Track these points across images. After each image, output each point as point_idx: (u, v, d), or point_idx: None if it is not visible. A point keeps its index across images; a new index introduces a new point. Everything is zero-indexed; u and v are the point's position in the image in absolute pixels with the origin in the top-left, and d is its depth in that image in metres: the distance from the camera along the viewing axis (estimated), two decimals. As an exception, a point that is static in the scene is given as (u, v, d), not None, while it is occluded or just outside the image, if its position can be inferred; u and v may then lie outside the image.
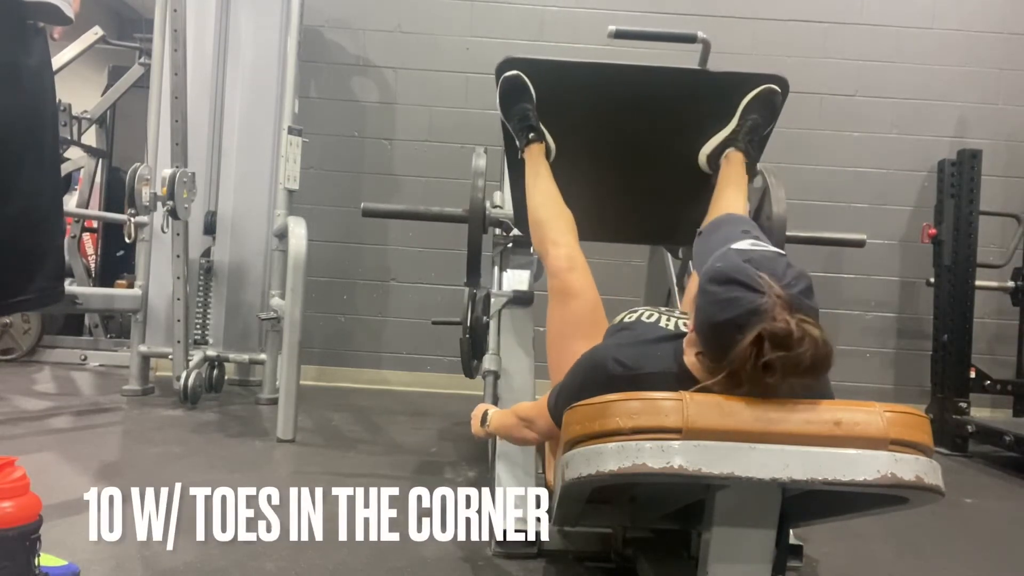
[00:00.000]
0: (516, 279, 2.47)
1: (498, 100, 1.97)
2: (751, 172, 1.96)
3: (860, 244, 2.58)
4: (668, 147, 2.04)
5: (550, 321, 1.77)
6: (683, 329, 1.41)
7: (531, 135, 1.94)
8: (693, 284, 1.73)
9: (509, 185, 2.22)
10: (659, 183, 2.13)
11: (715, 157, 1.97)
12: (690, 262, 2.49)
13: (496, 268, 2.56)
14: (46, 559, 1.39)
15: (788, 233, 2.13)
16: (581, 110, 2.00)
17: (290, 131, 3.51)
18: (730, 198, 1.87)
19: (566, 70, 1.97)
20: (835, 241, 2.74)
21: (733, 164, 1.92)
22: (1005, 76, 4.42)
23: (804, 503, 1.33)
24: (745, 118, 1.92)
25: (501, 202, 2.63)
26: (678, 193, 2.10)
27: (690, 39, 2.02)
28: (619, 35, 2.03)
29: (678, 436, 1.11)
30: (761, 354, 1.08)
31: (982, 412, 3.99)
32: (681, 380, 1.25)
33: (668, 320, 1.58)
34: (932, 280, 3.76)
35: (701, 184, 2.00)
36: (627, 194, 2.18)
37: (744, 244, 1.22)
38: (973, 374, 3.64)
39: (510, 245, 2.54)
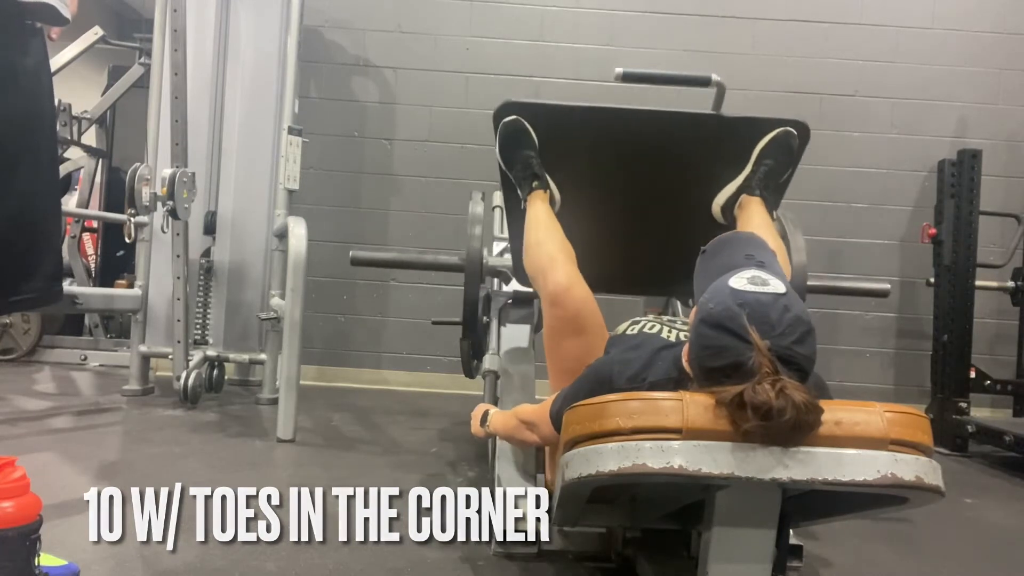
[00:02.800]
0: (516, 334, 2.36)
1: (497, 147, 1.84)
2: (772, 216, 1.84)
3: (884, 294, 2.45)
4: (680, 195, 1.91)
5: (551, 353, 1.68)
6: (684, 339, 1.41)
7: (535, 183, 1.81)
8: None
9: (509, 236, 2.08)
10: (670, 234, 1.98)
11: (729, 207, 1.85)
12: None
13: (495, 323, 2.46)
14: (46, 559, 1.39)
15: (810, 283, 2.01)
16: (586, 156, 1.88)
17: (290, 131, 3.51)
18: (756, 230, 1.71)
19: (569, 115, 1.83)
20: (858, 291, 2.60)
21: (752, 207, 1.79)
22: (1005, 76, 4.42)
23: (804, 503, 1.33)
24: (760, 164, 1.81)
25: (496, 251, 2.52)
26: (691, 244, 1.95)
27: (703, 83, 1.89)
28: (627, 79, 1.89)
29: (678, 436, 1.11)
30: (743, 415, 1.07)
31: (982, 412, 3.99)
32: (680, 385, 1.26)
33: (670, 331, 1.58)
34: (932, 280, 3.76)
35: (715, 235, 1.91)
36: (636, 245, 2.05)
37: (743, 278, 1.16)
38: (973, 374, 3.64)
39: (509, 301, 2.44)
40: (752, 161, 1.82)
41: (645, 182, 1.92)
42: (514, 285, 2.45)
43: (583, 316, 1.63)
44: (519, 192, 1.86)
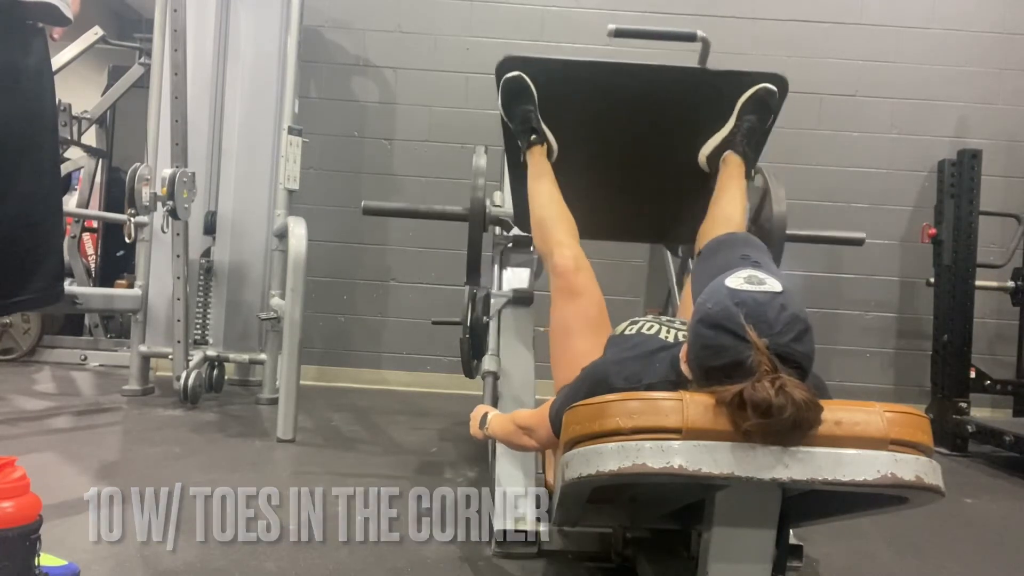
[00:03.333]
0: (516, 277, 2.47)
1: (499, 101, 1.98)
2: (750, 173, 1.97)
3: (859, 243, 2.58)
4: (668, 146, 2.05)
5: (554, 321, 1.76)
6: (682, 340, 1.42)
7: (533, 136, 1.95)
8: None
9: (509, 184, 2.22)
10: (659, 182, 2.13)
11: (714, 158, 1.98)
12: (689, 260, 2.50)
13: (496, 267, 2.56)
14: (46, 559, 1.39)
15: (788, 232, 2.13)
16: (582, 109, 2.00)
17: (290, 131, 3.51)
18: (728, 201, 1.87)
19: (566, 69, 1.97)
20: (834, 239, 2.75)
21: (731, 167, 1.93)
22: (1005, 76, 4.42)
23: (804, 503, 1.33)
24: (742, 119, 1.93)
25: (501, 201, 2.63)
26: (678, 192, 2.11)
27: (689, 38, 2.02)
28: (619, 34, 2.04)
29: (678, 436, 1.11)
30: (743, 414, 1.07)
31: (982, 412, 3.99)
32: (678, 387, 1.26)
33: (668, 332, 1.59)
34: (932, 280, 3.76)
35: (701, 183, 2.00)
36: (627, 193, 2.19)
37: (740, 277, 1.18)
38: (973, 374, 3.64)
39: (510, 245, 2.54)
40: (734, 116, 1.95)
41: (636, 132, 2.06)
42: (514, 284, 2.47)
43: (582, 289, 1.75)
44: (519, 143, 1.98)
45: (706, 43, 2.01)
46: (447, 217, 2.43)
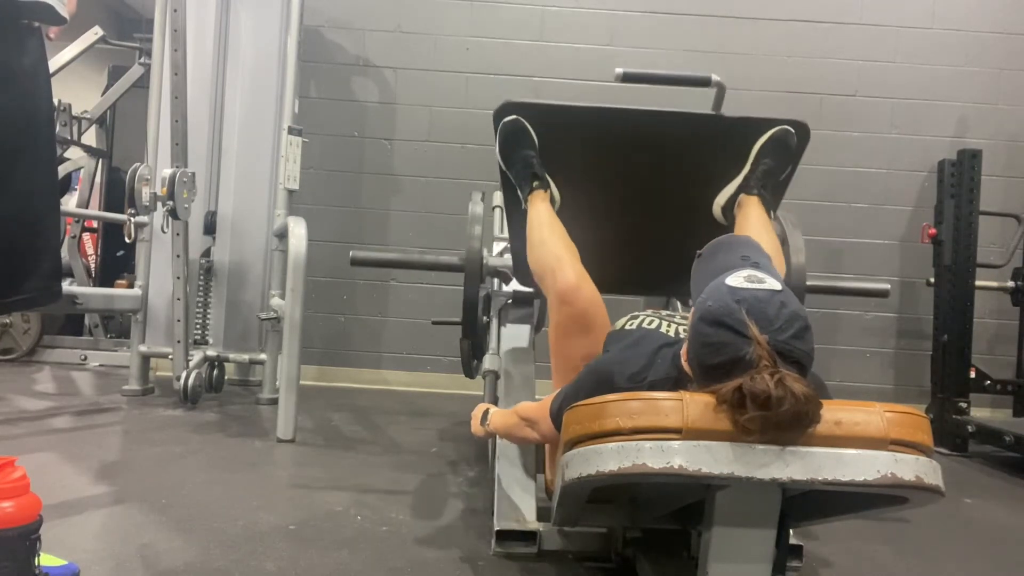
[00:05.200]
0: (516, 334, 2.35)
1: (497, 147, 1.85)
2: (770, 213, 1.83)
3: (884, 294, 2.42)
4: (680, 195, 1.91)
5: (556, 351, 1.69)
6: (683, 335, 1.42)
7: (535, 183, 1.82)
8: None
9: (509, 237, 2.08)
10: (670, 234, 1.97)
11: (729, 207, 1.86)
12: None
13: (495, 323, 2.45)
14: (46, 559, 1.39)
15: (809, 283, 1.99)
16: (586, 156, 1.88)
17: (290, 131, 3.51)
18: (752, 234, 1.70)
19: (569, 114, 1.83)
20: (858, 291, 2.57)
21: (750, 206, 1.80)
22: (1005, 76, 4.42)
23: (804, 503, 1.33)
24: (758, 163, 1.81)
25: (495, 248, 2.51)
26: (690, 243, 1.90)
27: (703, 83, 1.88)
28: (627, 79, 1.88)
29: (678, 436, 1.11)
30: (743, 409, 1.07)
31: (982, 412, 3.99)
32: (680, 385, 1.26)
33: (669, 326, 1.59)
34: (932, 280, 3.76)
35: (715, 234, 1.89)
36: (637, 245, 2.05)
37: (740, 276, 1.18)
38: (973, 374, 3.64)
39: (509, 302, 2.43)
40: (751, 160, 1.82)
41: (645, 182, 1.92)
42: (514, 285, 2.44)
43: (591, 314, 1.64)
44: (519, 192, 1.87)
45: (721, 88, 1.89)
46: (441, 268, 2.29)
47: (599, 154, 1.88)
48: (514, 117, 1.82)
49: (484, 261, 2.22)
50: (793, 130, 1.80)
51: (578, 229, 1.79)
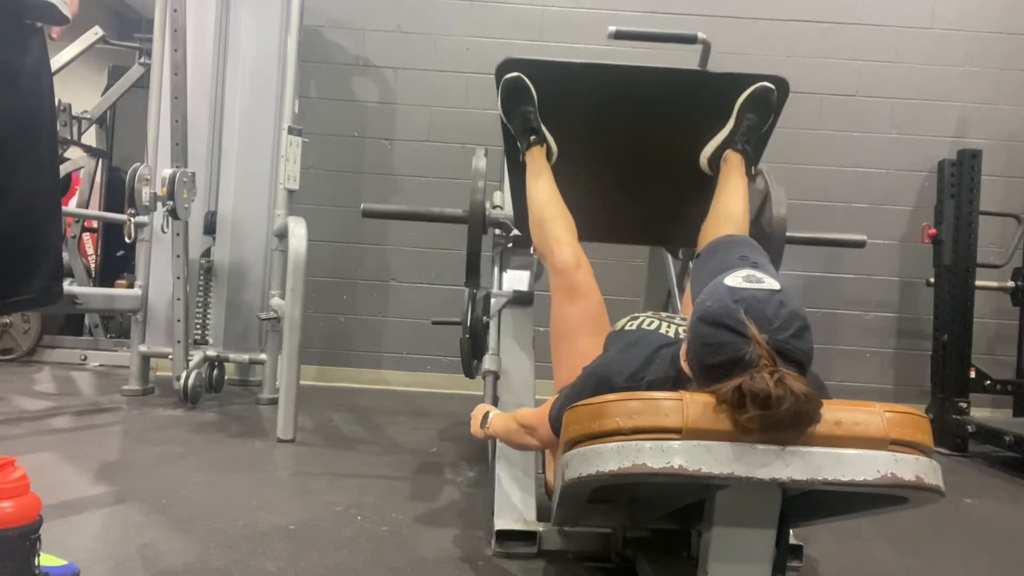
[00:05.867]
0: (516, 279, 2.47)
1: (499, 102, 1.98)
2: (750, 173, 1.96)
3: (860, 244, 2.57)
4: (669, 148, 2.04)
5: (554, 320, 1.77)
6: (683, 336, 1.42)
7: (533, 137, 1.95)
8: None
9: (509, 186, 2.22)
10: (660, 184, 2.12)
11: (715, 159, 1.97)
12: (690, 262, 2.50)
13: (496, 268, 2.56)
14: (46, 559, 1.39)
15: (788, 234, 2.12)
16: (582, 111, 2.00)
17: (290, 131, 3.51)
18: (729, 198, 1.88)
19: (567, 70, 1.96)
20: (835, 242, 2.74)
21: (732, 166, 1.93)
22: (1005, 76, 4.42)
23: (804, 503, 1.33)
24: (741, 118, 1.93)
25: (501, 202, 2.62)
26: (679, 194, 2.10)
27: (690, 40, 2.02)
28: (619, 36, 2.03)
29: (678, 436, 1.11)
30: (743, 409, 1.08)
31: (982, 412, 3.99)
32: (679, 384, 1.26)
33: (668, 327, 1.59)
34: (932, 280, 3.76)
35: (702, 185, 2.00)
36: (628, 195, 2.18)
37: (739, 276, 1.18)
38: (973, 374, 3.64)
39: (510, 245, 2.53)
40: (734, 116, 1.94)
41: (637, 135, 2.05)
42: (514, 285, 2.47)
43: (586, 287, 1.76)
44: (518, 144, 1.98)
45: (707, 45, 2.01)
46: (446, 219, 2.42)
47: (595, 108, 2.00)
48: (516, 74, 1.93)
49: (487, 212, 2.29)
50: (773, 86, 1.91)
51: (573, 179, 1.95)
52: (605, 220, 2.18)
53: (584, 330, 1.70)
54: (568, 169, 1.97)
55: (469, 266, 2.26)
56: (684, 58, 2.08)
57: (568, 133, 1.99)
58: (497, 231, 2.52)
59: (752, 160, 1.96)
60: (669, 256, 2.79)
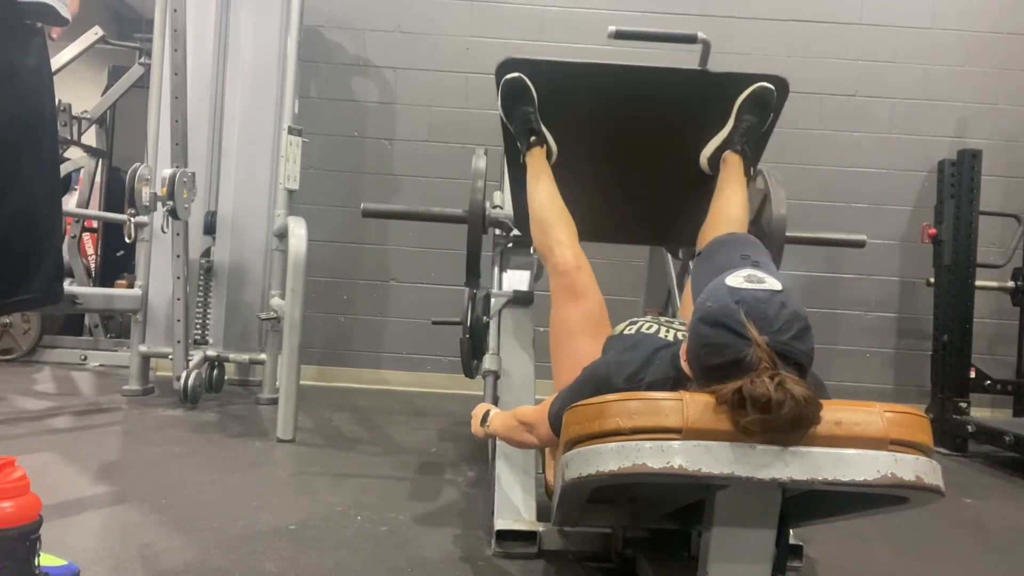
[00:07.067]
0: (516, 279, 2.47)
1: (499, 102, 1.97)
2: (749, 173, 1.96)
3: (860, 244, 2.56)
4: (669, 148, 2.04)
5: (555, 321, 1.77)
6: (681, 339, 1.42)
7: (533, 138, 1.95)
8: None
9: (509, 186, 2.22)
10: (660, 184, 2.13)
11: (715, 159, 1.98)
12: (690, 262, 2.50)
13: (496, 268, 2.56)
14: (46, 559, 1.39)
15: (788, 234, 2.12)
16: (582, 111, 2.00)
17: (290, 131, 3.51)
18: (728, 198, 1.88)
19: (567, 71, 1.96)
20: (835, 241, 2.74)
21: (731, 166, 1.93)
22: (1005, 76, 4.42)
23: (804, 503, 1.33)
24: (740, 119, 1.93)
25: (501, 202, 2.62)
26: (679, 194, 2.10)
27: (690, 39, 2.01)
28: (619, 35, 2.02)
29: (678, 436, 1.11)
30: (743, 411, 1.07)
31: (982, 412, 3.99)
32: (678, 385, 1.26)
33: (668, 331, 1.59)
34: (932, 280, 3.76)
35: (702, 185, 2.00)
36: (628, 195, 2.18)
37: (740, 276, 1.18)
38: (973, 374, 3.64)
39: (510, 245, 2.54)
40: (733, 116, 1.94)
41: (636, 134, 2.05)
42: (514, 285, 2.46)
43: (586, 288, 1.75)
44: (519, 145, 1.98)
45: (707, 45, 2.01)
46: (446, 219, 2.42)
47: (595, 108, 2.00)
48: (516, 75, 1.93)
49: (487, 212, 2.28)
50: (773, 86, 1.91)
51: (573, 179, 1.94)
52: (605, 220, 2.19)
53: (584, 331, 1.70)
54: (568, 169, 1.97)
55: (469, 266, 2.26)
56: (684, 58, 2.08)
57: (568, 133, 1.99)
58: (497, 231, 2.53)
59: (751, 161, 1.96)
60: (669, 256, 2.79)
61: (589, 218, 1.92)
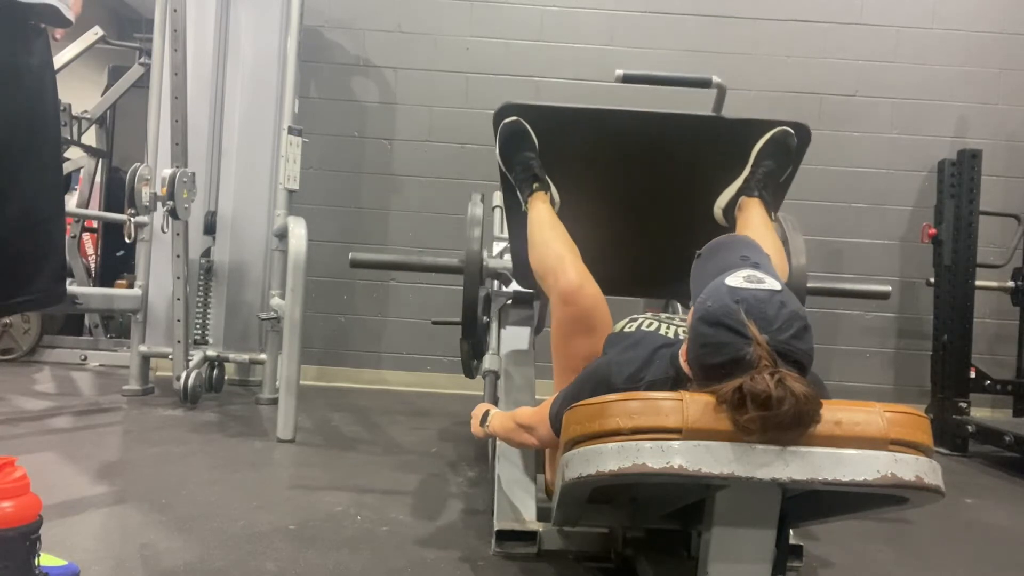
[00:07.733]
0: (516, 336, 2.34)
1: (497, 149, 1.84)
2: (771, 214, 1.82)
3: (884, 296, 2.40)
4: (681, 197, 1.91)
5: (555, 321, 1.70)
6: (682, 337, 1.42)
7: (535, 185, 1.81)
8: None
9: (509, 237, 2.08)
10: (671, 235, 1.96)
11: (730, 209, 1.85)
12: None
13: (495, 325, 2.44)
14: (46, 559, 1.39)
15: (810, 285, 1.98)
16: (587, 158, 1.87)
17: (290, 131, 3.51)
18: (756, 235, 1.66)
19: (569, 116, 1.83)
20: (858, 293, 2.54)
21: (747, 209, 1.79)
22: (1005, 76, 4.42)
23: (804, 503, 1.33)
24: (758, 165, 1.81)
25: (494, 249, 2.50)
26: (691, 246, 1.93)
27: (704, 84, 1.87)
28: (627, 80, 1.85)
29: (678, 436, 1.11)
30: (743, 410, 1.07)
31: (982, 412, 3.99)
32: (678, 384, 1.26)
33: (668, 328, 1.59)
34: (932, 280, 3.76)
35: (716, 236, 1.88)
36: (637, 246, 2.05)
37: (739, 276, 1.18)
38: (973, 374, 3.64)
39: (509, 302, 2.42)
40: (751, 162, 1.82)
41: (646, 183, 1.91)
42: (515, 286, 2.44)
43: (594, 314, 1.62)
44: (519, 194, 1.86)
45: (722, 89, 1.87)
46: (441, 270, 2.28)
47: (599, 155, 1.86)
48: (514, 119, 1.81)
49: (484, 263, 2.21)
50: (793, 131, 1.80)
51: (578, 230, 1.77)
52: (612, 273, 1.91)
53: (585, 332, 1.67)
54: (572, 219, 1.80)
55: (466, 318, 2.14)
56: (695, 95, 1.95)
57: (572, 180, 1.85)
58: (495, 282, 2.38)
59: (770, 207, 1.81)
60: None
61: (595, 270, 1.72)
